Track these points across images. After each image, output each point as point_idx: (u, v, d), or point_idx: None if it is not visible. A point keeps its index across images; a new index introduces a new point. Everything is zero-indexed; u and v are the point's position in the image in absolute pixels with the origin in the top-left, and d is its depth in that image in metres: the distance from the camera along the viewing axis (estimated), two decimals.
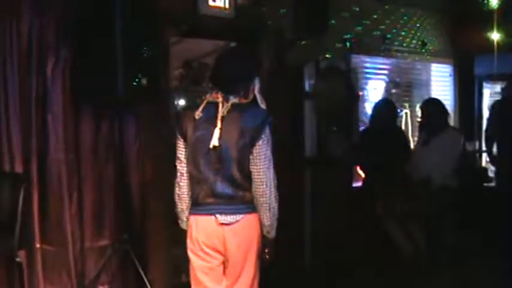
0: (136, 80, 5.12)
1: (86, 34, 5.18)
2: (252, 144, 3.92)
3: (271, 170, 3.99)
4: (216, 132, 3.94)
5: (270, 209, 4.00)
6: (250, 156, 3.95)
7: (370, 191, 7.50)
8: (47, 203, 5.42)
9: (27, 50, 5.25)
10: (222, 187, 3.98)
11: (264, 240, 4.10)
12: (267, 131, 3.97)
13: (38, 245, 5.35)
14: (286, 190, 6.96)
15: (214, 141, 3.93)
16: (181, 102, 7.06)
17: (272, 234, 4.09)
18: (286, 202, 6.94)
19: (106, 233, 5.73)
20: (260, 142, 3.93)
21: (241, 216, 3.99)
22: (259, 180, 3.96)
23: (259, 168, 3.95)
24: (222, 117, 3.96)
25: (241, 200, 3.99)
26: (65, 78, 5.40)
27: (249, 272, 4.06)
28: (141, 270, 5.45)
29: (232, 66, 4.12)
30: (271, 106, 6.87)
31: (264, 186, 3.96)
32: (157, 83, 5.38)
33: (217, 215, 3.99)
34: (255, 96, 4.18)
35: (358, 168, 8.16)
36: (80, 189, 5.57)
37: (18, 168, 5.22)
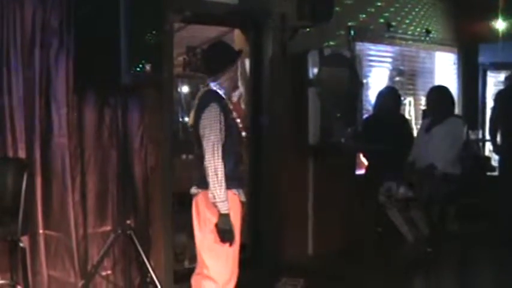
0: (140, 66, 5.11)
1: (89, 20, 5.17)
2: (197, 122, 4.39)
3: (215, 147, 4.29)
4: (191, 115, 4.54)
5: (209, 181, 4.29)
6: None
7: (373, 179, 7.50)
8: (50, 189, 5.42)
9: (31, 36, 5.23)
10: (196, 163, 4.48)
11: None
12: (211, 108, 4.34)
13: (41, 231, 5.34)
14: (289, 177, 7.03)
15: (190, 122, 4.54)
16: (185, 88, 7.06)
17: (219, 207, 4.33)
18: (290, 189, 7.02)
19: (109, 219, 5.73)
20: (201, 120, 4.36)
21: (200, 190, 4.46)
22: (203, 154, 4.32)
23: (204, 144, 4.33)
24: (197, 101, 4.50)
25: (203, 176, 4.35)
26: (69, 64, 5.38)
27: (203, 244, 4.50)
28: (144, 256, 5.45)
29: (205, 61, 4.80)
30: (275, 93, 6.89)
31: (205, 161, 4.31)
32: (161, 69, 5.36)
33: (192, 187, 4.54)
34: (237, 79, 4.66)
35: (361, 156, 8.17)
36: (83, 175, 5.57)
37: (22, 154, 5.22)
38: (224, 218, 4.33)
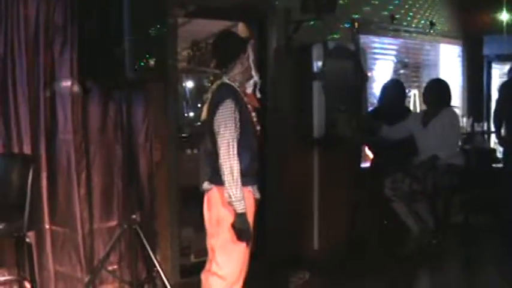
0: (144, 61, 5.10)
1: (93, 15, 5.17)
2: (211, 118, 4.26)
3: (231, 145, 4.17)
4: (203, 110, 4.41)
5: (225, 180, 4.18)
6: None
7: (379, 171, 7.50)
8: (56, 184, 5.43)
9: (35, 32, 5.23)
10: (207, 158, 4.40)
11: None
12: (225, 105, 4.21)
13: (47, 226, 5.36)
14: (294, 170, 7.03)
15: (203, 117, 4.40)
16: (189, 83, 7.05)
17: (235, 207, 4.22)
18: (295, 182, 7.02)
19: (115, 214, 5.74)
20: (216, 116, 4.22)
21: (212, 185, 4.37)
22: (218, 151, 4.21)
23: (218, 141, 4.21)
24: (211, 96, 4.37)
25: (217, 171, 4.24)
26: (73, 60, 5.39)
27: (216, 242, 4.40)
28: (150, 251, 5.45)
29: (216, 53, 4.54)
30: (279, 86, 6.89)
31: (220, 159, 4.19)
32: (165, 63, 5.36)
33: (204, 182, 4.43)
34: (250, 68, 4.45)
35: (366, 149, 8.17)
36: (88, 170, 5.57)
37: (27, 149, 5.23)
38: (241, 217, 4.21)
